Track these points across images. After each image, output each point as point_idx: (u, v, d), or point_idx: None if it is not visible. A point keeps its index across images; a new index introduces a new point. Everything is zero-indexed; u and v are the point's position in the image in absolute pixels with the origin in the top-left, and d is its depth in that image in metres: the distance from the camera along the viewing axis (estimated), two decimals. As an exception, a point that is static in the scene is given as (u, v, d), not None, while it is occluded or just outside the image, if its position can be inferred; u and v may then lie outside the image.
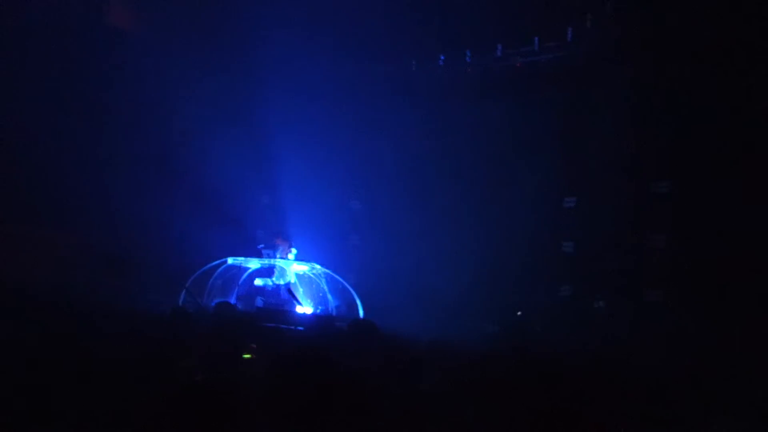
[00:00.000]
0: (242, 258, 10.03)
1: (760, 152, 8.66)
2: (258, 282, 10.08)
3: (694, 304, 8.85)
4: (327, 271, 10.09)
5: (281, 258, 10.25)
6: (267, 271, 10.16)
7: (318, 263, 10.18)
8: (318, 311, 9.80)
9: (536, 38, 10.41)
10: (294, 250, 10.37)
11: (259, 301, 9.87)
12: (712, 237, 8.94)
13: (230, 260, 9.91)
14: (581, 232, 10.21)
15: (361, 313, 9.71)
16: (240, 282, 9.98)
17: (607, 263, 9.88)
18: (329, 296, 9.88)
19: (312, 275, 10.17)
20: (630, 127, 9.86)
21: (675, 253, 9.41)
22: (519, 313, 9.87)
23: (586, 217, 10.18)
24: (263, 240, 10.52)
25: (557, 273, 10.27)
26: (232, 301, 9.48)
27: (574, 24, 10.20)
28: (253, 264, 10.11)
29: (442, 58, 11.28)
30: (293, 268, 10.25)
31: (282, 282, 10.15)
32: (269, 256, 10.10)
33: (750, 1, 8.78)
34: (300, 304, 9.57)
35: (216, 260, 9.90)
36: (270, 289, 10.00)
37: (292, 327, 8.61)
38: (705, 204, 9.09)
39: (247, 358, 5.76)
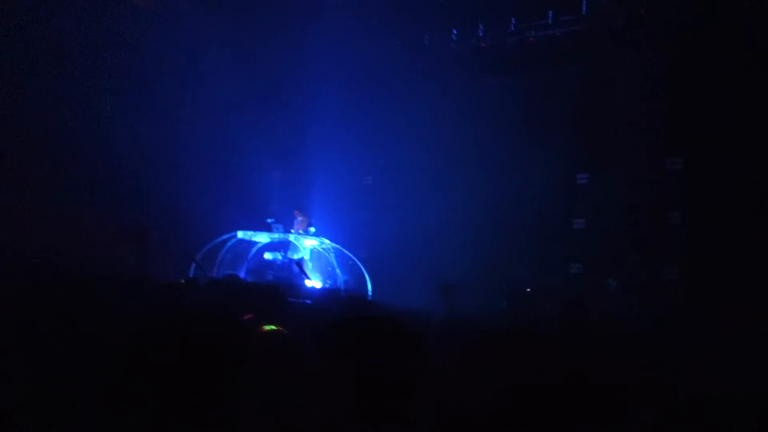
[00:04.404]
0: (251, 232, 10.06)
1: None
2: (267, 256, 10.12)
3: (710, 282, 8.71)
4: (336, 245, 10.10)
5: (296, 232, 10.26)
6: (276, 245, 10.18)
7: (327, 238, 10.18)
8: (327, 285, 9.83)
9: (550, 12, 10.24)
10: (313, 229, 10.37)
11: (269, 275, 9.91)
12: (728, 213, 8.79)
13: (240, 234, 9.96)
14: (594, 208, 10.08)
15: (369, 287, 9.73)
16: (249, 256, 10.03)
17: (620, 241, 9.76)
18: (338, 271, 9.89)
19: (321, 250, 10.18)
20: (644, 103, 9.68)
21: (690, 229, 9.27)
22: (528, 289, 9.80)
23: (599, 193, 10.05)
24: (273, 213, 10.53)
25: (568, 250, 10.16)
26: (242, 274, 9.52)
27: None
28: (263, 238, 10.14)
29: (455, 32, 11.14)
30: (304, 243, 10.27)
31: (295, 257, 10.18)
32: (278, 230, 10.12)
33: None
34: (309, 278, 9.60)
35: (226, 234, 9.94)
36: (279, 263, 10.04)
37: (301, 300, 8.63)
38: (720, 180, 8.93)
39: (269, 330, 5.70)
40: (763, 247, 8.43)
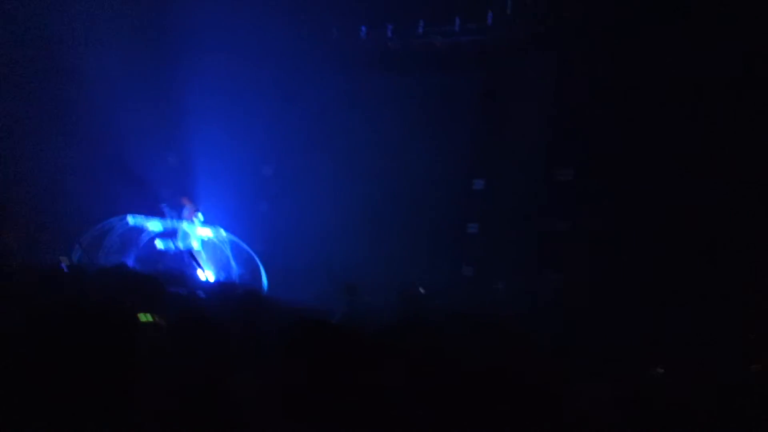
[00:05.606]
0: (143, 217, 9.66)
1: (668, 143, 9.04)
2: (159, 244, 9.77)
3: (593, 287, 9.21)
4: (232, 237, 9.90)
5: (186, 220, 9.96)
6: (169, 234, 9.85)
7: (224, 228, 9.96)
8: (220, 278, 9.61)
9: (457, 19, 10.47)
10: (201, 215, 10.10)
11: (160, 264, 9.57)
12: (613, 223, 9.34)
13: (130, 219, 9.53)
14: (487, 214, 10.44)
15: (264, 282, 9.60)
16: (140, 243, 9.63)
17: (510, 245, 10.15)
18: (233, 263, 9.69)
19: (217, 241, 9.94)
20: (541, 114, 10.11)
21: (576, 237, 9.77)
22: (422, 290, 10.00)
23: (494, 199, 10.41)
24: (167, 199, 10.17)
25: (461, 253, 10.48)
26: (130, 262, 9.12)
27: (495, 8, 10.33)
28: (155, 225, 9.76)
29: (364, 29, 11.17)
30: (198, 233, 9.99)
31: (184, 246, 9.89)
32: (171, 217, 9.79)
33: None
34: (202, 269, 9.35)
35: (115, 217, 9.49)
36: (171, 252, 9.72)
37: (192, 292, 8.38)
38: (607, 192, 9.48)
39: (146, 321, 5.53)
40: (645, 256, 9.01)
